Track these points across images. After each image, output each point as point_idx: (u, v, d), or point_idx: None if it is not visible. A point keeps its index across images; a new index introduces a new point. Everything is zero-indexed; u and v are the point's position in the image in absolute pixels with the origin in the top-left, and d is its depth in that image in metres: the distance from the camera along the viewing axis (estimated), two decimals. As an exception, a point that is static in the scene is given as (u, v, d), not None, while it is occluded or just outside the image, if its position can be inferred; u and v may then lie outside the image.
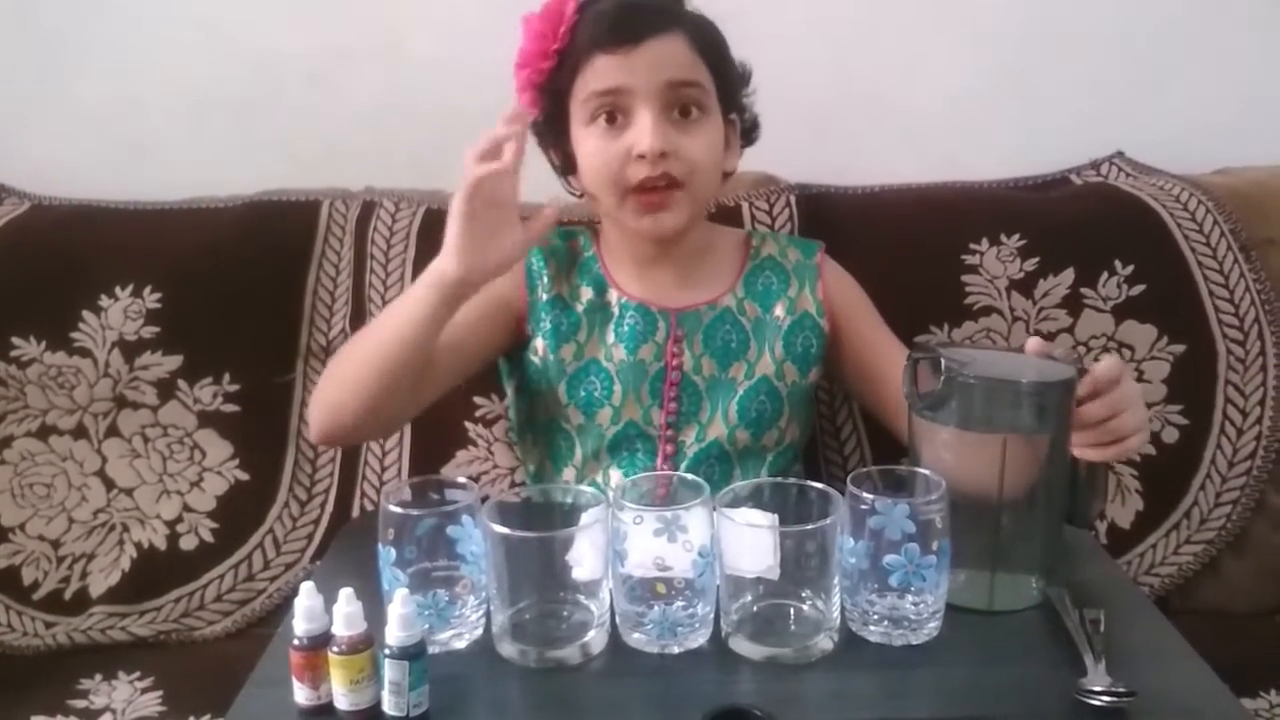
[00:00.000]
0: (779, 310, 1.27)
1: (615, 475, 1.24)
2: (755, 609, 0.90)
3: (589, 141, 1.17)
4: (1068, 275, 1.47)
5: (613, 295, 1.25)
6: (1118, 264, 1.47)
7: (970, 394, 0.93)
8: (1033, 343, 1.00)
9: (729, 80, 1.22)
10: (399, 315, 1.10)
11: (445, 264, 1.06)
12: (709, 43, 1.19)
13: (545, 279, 1.25)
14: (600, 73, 1.14)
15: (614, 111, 1.15)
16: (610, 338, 1.24)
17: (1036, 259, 1.48)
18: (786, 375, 1.24)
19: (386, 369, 1.10)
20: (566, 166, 1.24)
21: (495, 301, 1.22)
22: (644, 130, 1.13)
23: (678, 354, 1.23)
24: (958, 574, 0.93)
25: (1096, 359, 1.09)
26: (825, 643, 0.88)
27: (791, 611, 0.89)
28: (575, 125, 1.18)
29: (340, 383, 1.16)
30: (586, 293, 1.26)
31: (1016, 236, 1.49)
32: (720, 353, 1.24)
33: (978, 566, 0.95)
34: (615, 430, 1.23)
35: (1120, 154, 1.67)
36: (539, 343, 1.24)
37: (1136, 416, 0.99)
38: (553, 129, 1.21)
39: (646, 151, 1.12)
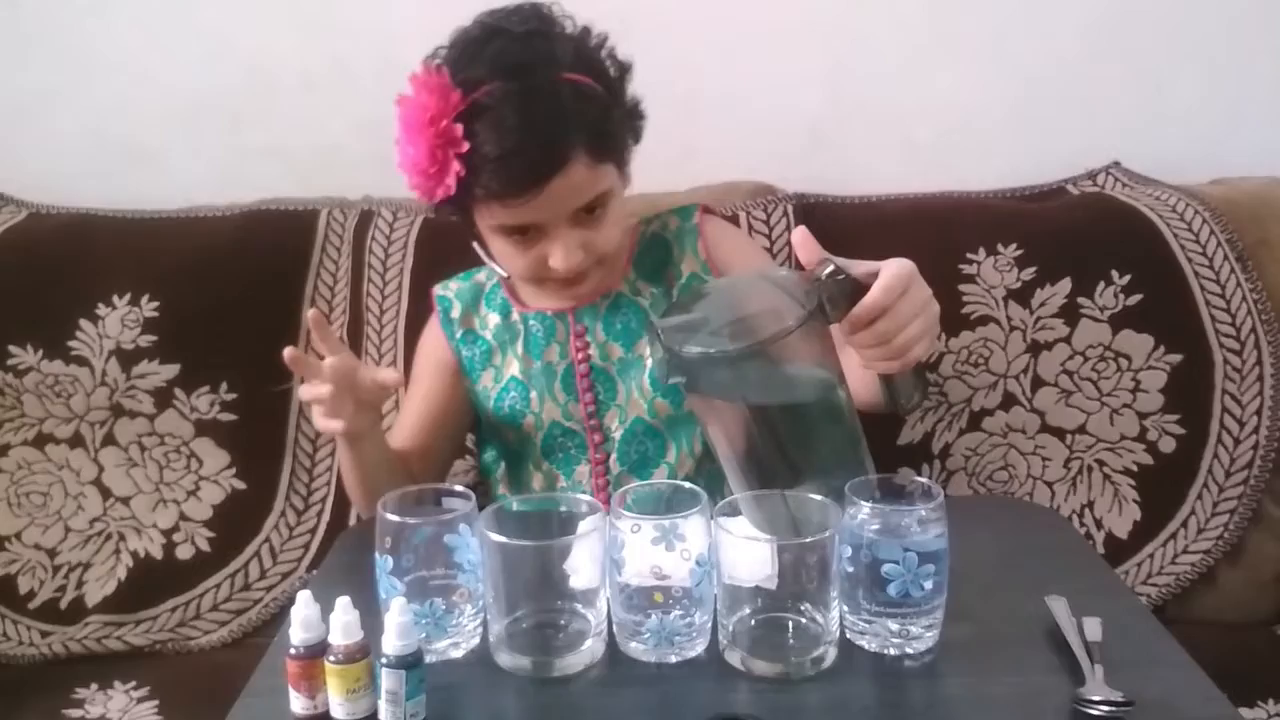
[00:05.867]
0: (668, 279, 1.28)
1: (559, 478, 1.27)
2: (753, 622, 0.89)
3: (500, 244, 1.18)
4: (1064, 285, 1.48)
5: (515, 314, 1.28)
6: (1114, 274, 1.47)
7: (696, 367, 0.89)
8: (797, 236, 0.94)
9: (627, 144, 1.19)
10: (340, 449, 1.24)
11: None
12: (607, 138, 1.14)
13: (455, 320, 1.30)
14: (503, 215, 1.12)
15: (524, 230, 1.14)
16: (520, 351, 1.27)
17: (1033, 269, 1.49)
18: None
19: (362, 484, 1.22)
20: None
21: (437, 367, 1.31)
22: (558, 252, 1.14)
23: (582, 348, 1.26)
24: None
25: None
26: (824, 656, 0.88)
27: (790, 624, 0.88)
28: (481, 218, 1.16)
29: (350, 495, 1.31)
30: (493, 318, 1.30)
31: (1013, 246, 1.50)
32: (622, 335, 1.26)
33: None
34: (542, 435, 1.26)
35: (1117, 164, 1.68)
36: (465, 380, 1.30)
37: (916, 327, 0.95)
38: (451, 204, 1.15)
39: (563, 270, 1.14)
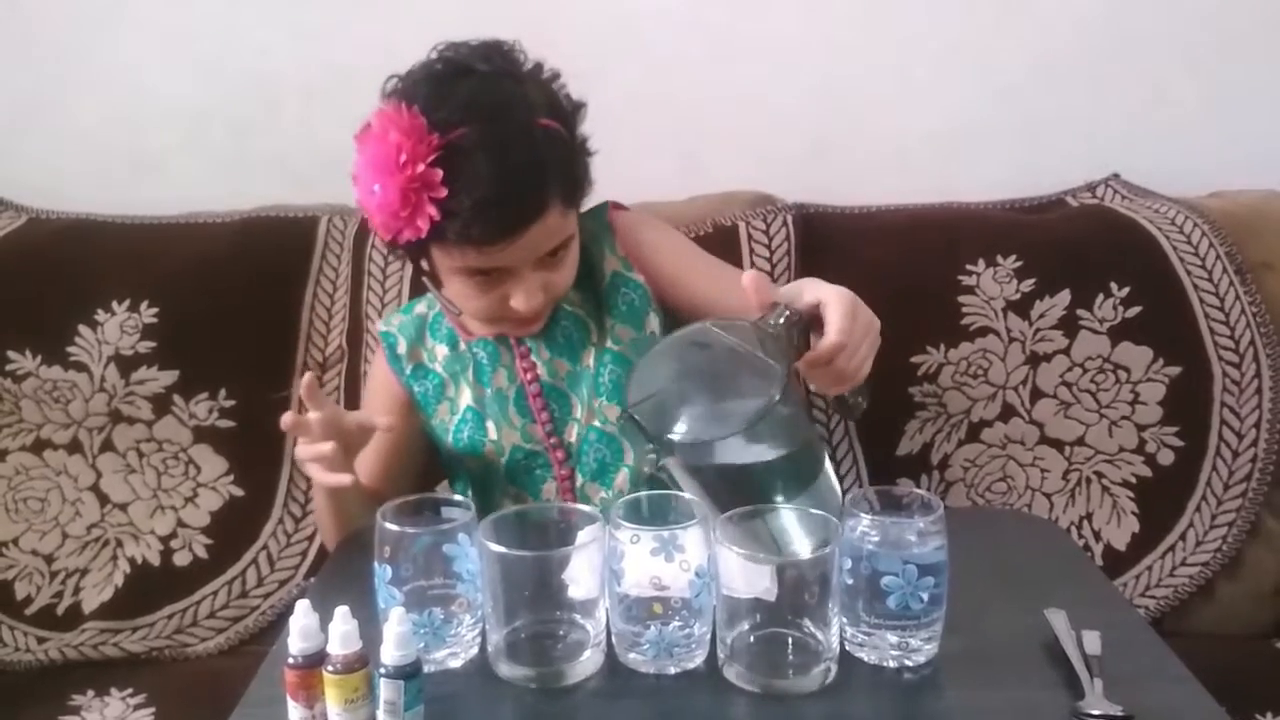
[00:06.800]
0: (594, 282, 1.26)
1: (527, 499, 1.26)
2: (752, 639, 0.88)
3: (459, 285, 1.15)
4: (1064, 297, 1.48)
5: (463, 343, 1.27)
6: (1114, 286, 1.47)
7: (690, 451, 0.90)
8: (748, 279, 0.95)
9: (586, 189, 1.17)
10: (318, 494, 1.28)
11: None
12: (577, 184, 1.14)
13: (402, 356, 1.29)
14: (474, 259, 1.09)
15: (488, 273, 1.12)
16: (472, 379, 1.26)
17: (1033, 280, 1.49)
18: (623, 338, 1.23)
19: (335, 523, 1.24)
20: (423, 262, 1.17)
21: (391, 403, 1.29)
22: (520, 294, 1.13)
23: (529, 368, 1.25)
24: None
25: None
26: (824, 673, 0.87)
27: (790, 640, 0.88)
28: (442, 259, 1.13)
29: (322, 534, 1.36)
30: (441, 350, 1.28)
31: (1013, 258, 1.50)
32: (565, 349, 1.25)
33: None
34: (505, 460, 1.25)
35: (1116, 176, 1.68)
36: (420, 415, 1.30)
37: (865, 350, 0.97)
38: (413, 244, 1.11)
39: (524, 311, 1.14)
